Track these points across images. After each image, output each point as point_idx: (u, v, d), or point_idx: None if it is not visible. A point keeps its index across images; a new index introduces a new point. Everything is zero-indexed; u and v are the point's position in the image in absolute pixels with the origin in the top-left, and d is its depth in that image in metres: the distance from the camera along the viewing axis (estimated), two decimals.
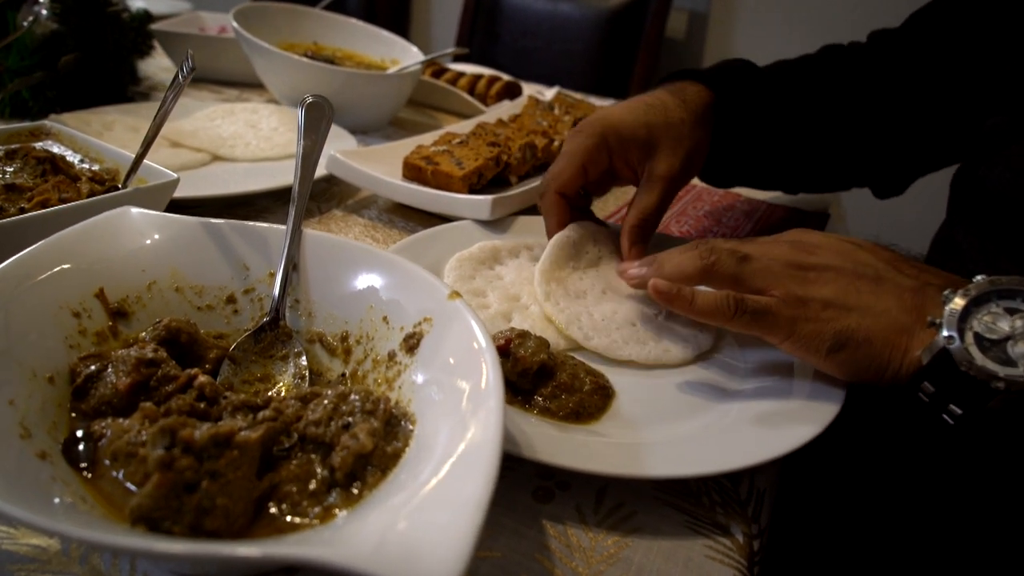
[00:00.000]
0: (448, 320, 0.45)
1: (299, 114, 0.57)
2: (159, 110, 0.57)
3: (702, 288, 0.55)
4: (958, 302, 0.46)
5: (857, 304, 0.50)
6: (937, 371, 0.46)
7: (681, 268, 0.56)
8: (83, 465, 0.38)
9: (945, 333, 0.45)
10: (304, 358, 0.50)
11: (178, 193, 0.75)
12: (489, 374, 0.39)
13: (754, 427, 0.50)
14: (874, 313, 0.49)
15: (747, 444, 0.47)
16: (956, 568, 0.58)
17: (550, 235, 0.68)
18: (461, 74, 1.32)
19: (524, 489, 0.46)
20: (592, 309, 0.62)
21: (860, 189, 0.86)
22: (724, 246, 0.56)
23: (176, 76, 0.54)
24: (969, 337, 0.45)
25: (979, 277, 0.47)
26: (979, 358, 0.44)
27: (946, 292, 0.47)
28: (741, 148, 0.76)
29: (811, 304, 0.51)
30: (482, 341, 0.41)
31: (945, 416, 0.47)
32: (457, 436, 0.37)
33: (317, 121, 0.58)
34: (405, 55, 1.24)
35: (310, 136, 0.57)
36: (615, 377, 0.57)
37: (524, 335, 0.54)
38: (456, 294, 0.46)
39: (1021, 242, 0.57)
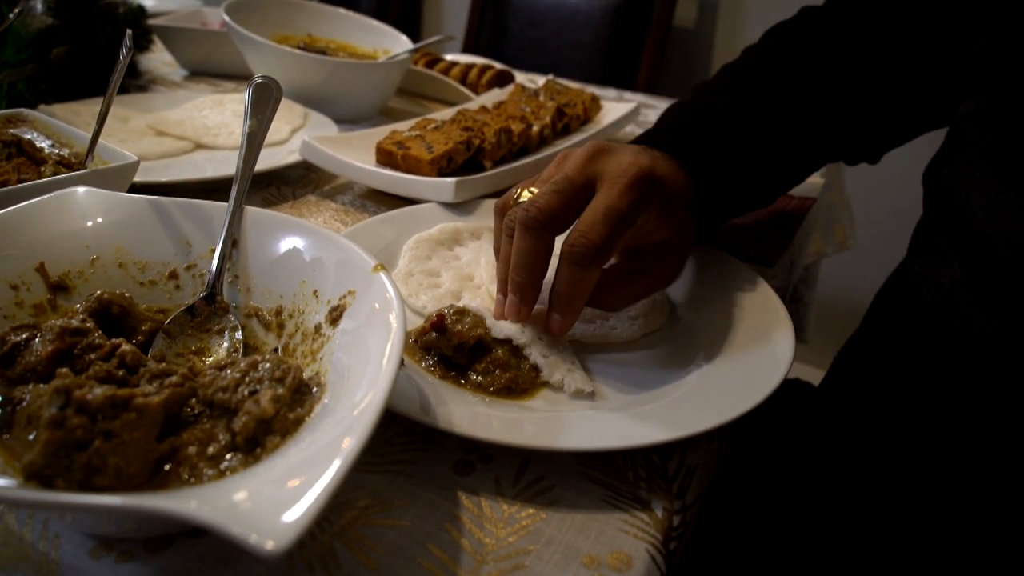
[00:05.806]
0: (368, 292, 0.45)
1: (246, 94, 0.58)
2: (107, 91, 0.58)
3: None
4: None
5: None
6: None
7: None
8: None
9: None
10: (240, 332, 0.50)
11: (153, 178, 0.77)
12: (392, 337, 0.39)
13: (689, 403, 0.49)
14: None
15: (675, 419, 0.47)
16: (916, 561, 0.56)
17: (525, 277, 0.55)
18: (454, 63, 1.32)
19: (446, 462, 0.46)
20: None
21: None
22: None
23: (118, 57, 0.55)
24: None
25: None
26: None
27: None
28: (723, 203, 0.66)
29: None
30: (394, 305, 0.42)
31: None
32: (356, 402, 0.37)
33: (264, 103, 0.58)
34: (395, 44, 1.25)
35: (256, 116, 0.57)
36: None
37: (462, 312, 0.54)
38: (381, 267, 0.46)
39: (988, 263, 0.50)
